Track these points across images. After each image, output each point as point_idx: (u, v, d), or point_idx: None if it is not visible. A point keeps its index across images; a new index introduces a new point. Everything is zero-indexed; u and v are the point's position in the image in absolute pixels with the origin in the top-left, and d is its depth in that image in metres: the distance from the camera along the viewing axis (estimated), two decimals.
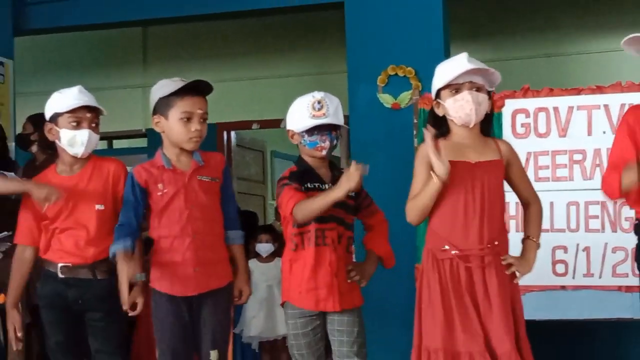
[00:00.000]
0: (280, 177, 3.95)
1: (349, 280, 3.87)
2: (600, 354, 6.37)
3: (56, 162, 4.17)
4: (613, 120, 5.82)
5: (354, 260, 4.00)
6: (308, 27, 8.93)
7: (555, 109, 5.98)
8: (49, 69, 9.51)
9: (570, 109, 5.95)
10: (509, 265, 3.61)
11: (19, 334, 4.13)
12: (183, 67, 8.86)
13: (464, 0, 7.57)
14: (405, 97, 6.80)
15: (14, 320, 4.14)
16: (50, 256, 4.09)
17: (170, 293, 3.87)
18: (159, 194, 3.89)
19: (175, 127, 3.88)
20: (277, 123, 9.18)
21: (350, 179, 3.63)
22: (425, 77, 6.34)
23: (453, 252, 3.58)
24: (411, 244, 5.44)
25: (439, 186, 3.49)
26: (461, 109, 3.58)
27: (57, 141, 4.09)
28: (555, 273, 5.86)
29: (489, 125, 3.76)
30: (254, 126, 9.44)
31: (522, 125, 6.02)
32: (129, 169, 4.23)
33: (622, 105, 5.78)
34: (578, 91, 6.00)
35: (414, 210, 3.63)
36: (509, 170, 3.70)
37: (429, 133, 3.51)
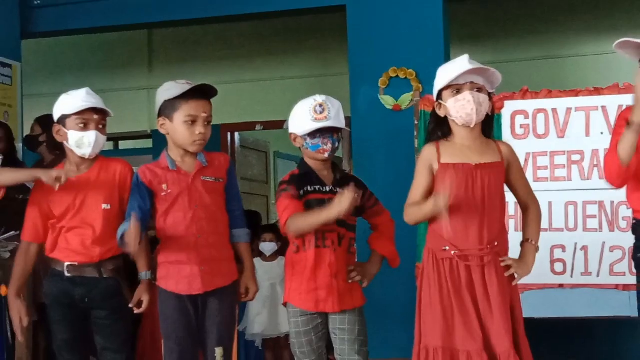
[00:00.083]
0: (281, 180, 3.95)
1: (349, 281, 3.85)
2: (598, 351, 6.37)
3: (64, 162, 4.17)
4: (611, 121, 5.81)
5: (356, 260, 3.98)
6: (310, 30, 8.93)
7: (554, 110, 5.97)
8: (56, 71, 9.51)
9: (569, 110, 5.95)
10: (508, 267, 3.60)
11: (25, 323, 4.12)
12: (188, 69, 8.86)
13: (464, 3, 7.57)
14: (406, 99, 6.80)
15: (19, 309, 4.13)
16: (57, 255, 4.09)
17: (176, 292, 3.87)
18: (163, 194, 3.89)
19: (180, 130, 3.88)
20: (280, 124, 9.21)
21: (341, 203, 3.61)
22: (426, 79, 6.34)
23: (453, 252, 3.58)
24: (412, 243, 5.44)
25: (429, 215, 3.50)
26: (462, 109, 3.58)
27: (65, 142, 4.09)
28: (553, 272, 5.86)
29: (490, 127, 3.75)
30: (258, 127, 9.44)
31: (521, 126, 6.01)
32: (134, 169, 4.23)
33: (620, 106, 5.77)
34: (576, 93, 6.00)
35: (409, 216, 3.67)
36: (509, 172, 3.70)
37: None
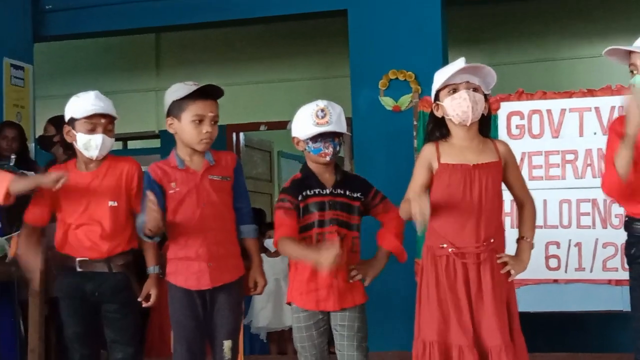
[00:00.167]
0: (282, 188, 3.98)
1: (350, 281, 3.85)
2: (591, 344, 6.37)
3: (75, 161, 4.18)
4: (603, 121, 5.82)
5: (360, 258, 3.96)
6: (313, 33, 8.93)
7: (549, 111, 5.98)
8: (66, 73, 9.52)
9: (563, 111, 5.95)
10: (504, 263, 3.60)
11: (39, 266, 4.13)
12: (194, 71, 8.87)
13: (462, 8, 7.57)
14: (405, 100, 6.81)
15: (33, 259, 4.18)
16: (68, 251, 4.09)
17: (185, 287, 3.88)
18: (172, 192, 3.89)
19: (187, 129, 3.88)
20: (283, 124, 9.21)
21: (324, 259, 3.61)
22: (425, 81, 6.35)
23: (450, 249, 3.58)
24: (411, 240, 5.44)
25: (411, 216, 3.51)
26: (459, 107, 3.58)
27: (74, 143, 4.10)
28: (548, 267, 5.86)
29: (487, 127, 3.75)
30: (262, 127, 9.45)
31: (517, 126, 6.02)
32: (143, 168, 4.24)
33: (612, 107, 5.79)
34: (570, 94, 6.01)
35: (402, 212, 3.64)
36: (506, 170, 3.69)
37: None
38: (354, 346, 3.82)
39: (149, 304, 4.04)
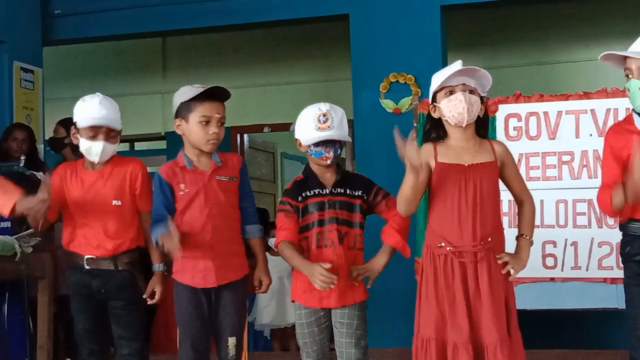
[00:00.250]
0: (284, 189, 4.00)
1: (356, 283, 3.85)
2: (586, 340, 6.37)
3: (84, 159, 4.19)
4: (599, 123, 5.82)
5: (363, 255, 3.95)
6: (316, 37, 8.93)
7: (545, 113, 5.98)
8: (75, 76, 9.52)
9: (559, 113, 5.95)
10: (505, 263, 3.60)
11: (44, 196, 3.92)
12: (200, 74, 8.87)
13: (461, 12, 7.57)
14: (405, 103, 6.81)
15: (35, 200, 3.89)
16: (75, 248, 4.11)
17: (192, 285, 3.88)
18: (181, 193, 3.89)
19: (195, 130, 3.88)
20: (286, 126, 9.19)
21: (312, 274, 3.72)
22: (425, 84, 6.35)
23: (448, 248, 3.58)
24: (412, 239, 5.43)
25: (412, 179, 3.49)
26: (454, 108, 3.58)
27: (79, 145, 4.12)
28: (545, 266, 5.86)
29: (484, 128, 3.75)
30: (265, 129, 9.46)
31: (515, 128, 6.02)
32: (149, 169, 4.24)
33: (608, 110, 5.79)
34: (566, 97, 6.00)
35: (399, 199, 3.63)
36: (503, 170, 3.69)
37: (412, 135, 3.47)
38: (352, 343, 3.82)
39: (154, 301, 4.04)
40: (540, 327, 6.27)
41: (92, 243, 4.06)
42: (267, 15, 7.37)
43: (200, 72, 9.15)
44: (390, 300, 6.07)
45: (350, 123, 3.96)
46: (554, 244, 5.85)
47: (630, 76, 3.56)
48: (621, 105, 5.59)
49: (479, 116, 3.65)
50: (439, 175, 3.61)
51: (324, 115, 3.82)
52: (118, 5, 7.58)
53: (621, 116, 5.45)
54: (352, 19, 7.04)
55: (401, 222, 3.85)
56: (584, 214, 5.83)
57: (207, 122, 3.87)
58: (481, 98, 3.64)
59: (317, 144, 3.82)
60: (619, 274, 5.14)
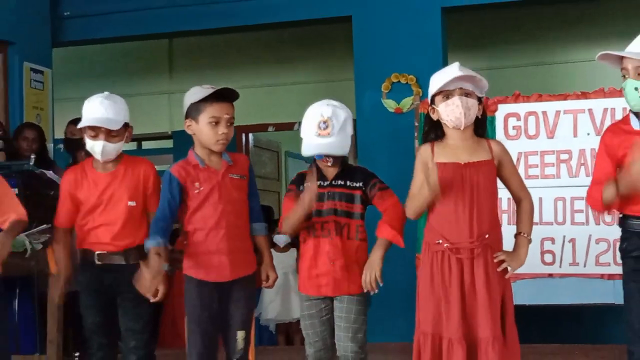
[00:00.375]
0: (291, 180, 4.02)
1: (371, 289, 3.83)
2: (584, 335, 6.37)
3: (92, 159, 4.18)
4: (597, 123, 5.82)
5: (367, 247, 3.93)
6: (319, 38, 8.93)
7: (544, 112, 5.98)
8: (83, 77, 9.53)
9: (558, 113, 5.95)
10: (502, 261, 3.59)
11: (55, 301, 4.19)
12: (205, 75, 8.87)
13: (462, 14, 7.56)
14: (407, 103, 6.81)
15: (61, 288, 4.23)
16: (87, 246, 4.11)
17: (207, 279, 3.88)
18: (196, 191, 3.90)
19: (205, 130, 3.89)
20: (291, 126, 9.24)
21: (305, 195, 3.74)
22: (425, 84, 6.26)
23: (445, 245, 3.58)
24: (412, 236, 5.44)
25: (429, 198, 3.54)
26: (452, 113, 3.59)
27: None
28: (543, 262, 5.86)
29: (482, 128, 3.75)
30: (270, 129, 9.46)
31: (514, 127, 6.02)
32: (157, 167, 4.24)
33: (605, 109, 5.79)
34: (564, 97, 6.00)
35: (410, 209, 3.66)
36: (501, 168, 3.69)
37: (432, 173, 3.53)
38: (349, 337, 3.83)
39: (157, 299, 4.04)
40: (538, 322, 6.27)
41: (103, 241, 4.07)
42: (271, 17, 7.37)
43: (206, 72, 9.15)
44: (392, 296, 6.06)
45: (353, 122, 3.95)
46: (553, 240, 5.85)
47: (626, 76, 3.56)
48: (618, 105, 5.58)
49: (477, 116, 3.65)
50: (437, 174, 3.61)
51: (325, 122, 3.82)
52: (125, 7, 7.58)
53: (618, 116, 5.45)
54: (355, 21, 7.04)
55: (393, 214, 3.84)
56: (581, 211, 5.82)
57: (217, 123, 3.87)
58: (479, 99, 3.64)
59: None
60: (616, 270, 5.15)
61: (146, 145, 10.79)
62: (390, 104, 6.84)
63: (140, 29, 7.71)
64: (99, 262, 4.07)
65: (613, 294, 5.54)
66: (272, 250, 4.20)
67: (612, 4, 8.08)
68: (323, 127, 3.81)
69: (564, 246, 5.84)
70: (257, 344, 7.04)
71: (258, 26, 7.71)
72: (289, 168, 10.70)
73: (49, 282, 4.97)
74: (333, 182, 3.87)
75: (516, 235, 3.69)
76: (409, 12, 6.87)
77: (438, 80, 3.62)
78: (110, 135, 4.03)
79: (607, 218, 5.60)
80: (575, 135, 5.90)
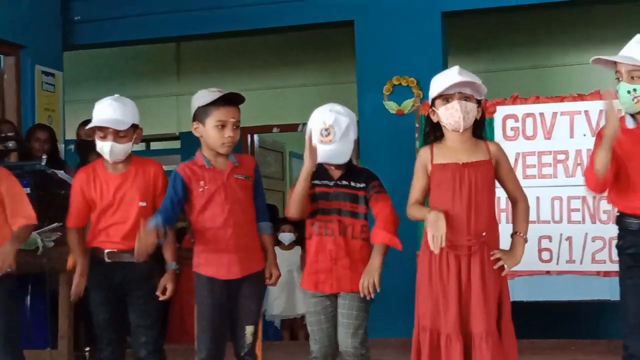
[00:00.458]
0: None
1: (368, 295, 3.83)
2: (580, 331, 6.36)
3: (103, 159, 4.19)
4: (593, 124, 5.82)
5: (370, 246, 3.94)
6: (323, 42, 8.93)
7: (541, 114, 5.98)
8: (93, 79, 9.53)
9: (555, 114, 5.95)
10: (498, 259, 3.60)
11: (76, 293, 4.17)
12: (212, 77, 8.88)
13: (461, 18, 7.56)
14: (408, 104, 6.81)
15: (79, 284, 4.18)
16: (97, 244, 4.12)
17: (217, 277, 3.89)
18: (201, 190, 3.90)
19: (211, 133, 3.90)
20: (295, 127, 9.25)
21: (306, 157, 3.75)
22: (426, 87, 6.25)
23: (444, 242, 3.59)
24: (413, 234, 5.44)
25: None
26: (451, 117, 3.60)
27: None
28: (541, 259, 5.86)
29: (481, 129, 3.75)
30: (274, 130, 9.47)
31: (512, 129, 6.02)
32: (165, 168, 4.25)
33: (601, 111, 5.75)
34: (561, 99, 6.01)
35: (410, 215, 3.69)
36: (498, 169, 3.69)
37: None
38: (349, 333, 3.83)
39: (165, 297, 4.05)
40: (536, 318, 6.27)
41: (113, 239, 4.08)
42: (276, 21, 7.38)
43: (213, 75, 9.16)
44: (392, 293, 6.06)
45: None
46: (550, 238, 5.85)
47: (620, 79, 3.57)
48: None
49: (475, 119, 3.66)
50: (436, 175, 3.63)
51: (326, 130, 3.83)
52: (134, 12, 7.59)
53: None
54: (357, 25, 7.05)
55: (386, 218, 3.84)
56: (578, 210, 5.83)
57: (223, 126, 3.88)
58: (478, 102, 3.65)
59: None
60: (612, 267, 5.15)
61: (154, 146, 10.80)
62: (391, 106, 6.85)
63: (148, 33, 7.72)
64: (109, 260, 4.08)
65: (609, 291, 5.54)
66: (277, 247, 4.21)
67: (607, 9, 8.07)
68: (325, 135, 3.82)
69: (561, 244, 5.85)
70: (263, 339, 7.05)
71: (263, 30, 7.72)
72: (293, 168, 10.71)
73: (59, 279, 4.99)
74: (338, 182, 3.88)
75: (512, 235, 3.70)
76: (409, 16, 6.87)
77: (438, 84, 3.63)
78: (118, 135, 4.04)
79: (603, 216, 5.63)
80: (571, 136, 5.91)
